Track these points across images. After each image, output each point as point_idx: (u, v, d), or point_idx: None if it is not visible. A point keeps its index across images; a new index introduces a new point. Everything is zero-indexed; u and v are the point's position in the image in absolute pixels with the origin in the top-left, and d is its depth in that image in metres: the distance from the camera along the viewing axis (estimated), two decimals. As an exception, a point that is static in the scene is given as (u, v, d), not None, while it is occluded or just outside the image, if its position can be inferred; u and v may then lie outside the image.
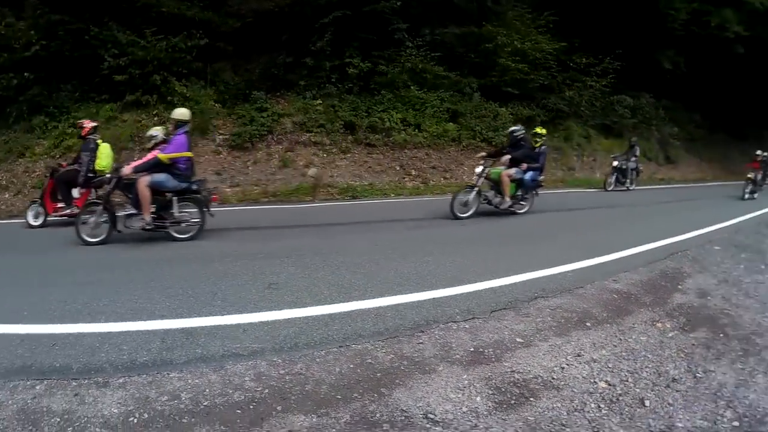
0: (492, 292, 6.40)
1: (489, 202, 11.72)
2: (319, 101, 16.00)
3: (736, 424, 4.28)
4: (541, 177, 12.82)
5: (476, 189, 11.39)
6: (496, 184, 11.84)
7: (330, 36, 16.27)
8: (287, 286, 6.05)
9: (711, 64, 30.23)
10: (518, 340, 5.10)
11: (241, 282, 6.07)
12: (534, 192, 12.64)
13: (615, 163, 20.02)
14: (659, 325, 6.01)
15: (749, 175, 20.27)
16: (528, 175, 11.98)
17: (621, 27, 23.88)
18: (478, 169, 11.61)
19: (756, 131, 42.85)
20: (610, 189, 19.41)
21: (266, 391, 3.76)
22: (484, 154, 12.27)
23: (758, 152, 21.85)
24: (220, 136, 15.09)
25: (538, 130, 13.75)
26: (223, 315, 5.05)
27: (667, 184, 24.95)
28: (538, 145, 13.23)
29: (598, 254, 8.63)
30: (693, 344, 5.63)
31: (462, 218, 10.88)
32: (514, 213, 11.94)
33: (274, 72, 16.42)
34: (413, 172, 16.51)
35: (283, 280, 6.24)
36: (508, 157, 11.76)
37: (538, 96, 21.58)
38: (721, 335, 5.99)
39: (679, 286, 7.52)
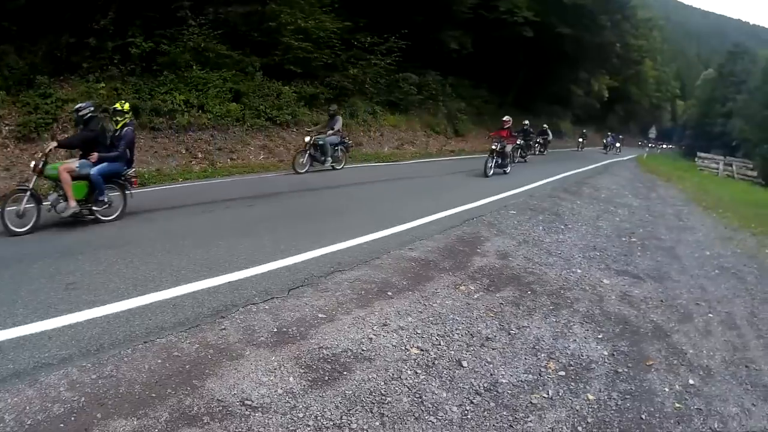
0: (287, 270, 6.50)
1: (54, 209, 8.53)
2: (102, 84, 15.06)
3: (562, 373, 4.66)
4: (130, 170, 9.59)
5: (28, 189, 8.26)
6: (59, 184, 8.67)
7: (113, 14, 15.39)
8: (84, 284, 5.78)
9: (499, 45, 32.21)
10: (320, 315, 5.24)
11: (39, 285, 5.72)
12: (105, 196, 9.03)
13: (307, 139, 16.06)
14: (463, 288, 6.36)
15: (493, 146, 18.25)
16: (98, 169, 8.83)
17: (406, 8, 24.74)
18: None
19: (547, 107, 46.59)
20: (302, 171, 15.71)
21: (83, 399, 3.64)
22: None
23: (506, 117, 20.61)
24: (6, 127, 13.73)
25: (119, 105, 9.68)
26: (27, 324, 4.76)
27: (457, 156, 26.22)
28: (118, 126, 9.52)
29: (390, 225, 8.97)
30: (501, 303, 6.03)
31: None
32: (98, 221, 8.94)
33: (57, 54, 15.18)
34: (200, 155, 16.12)
35: (79, 279, 5.95)
36: (53, 144, 8.82)
37: (322, 74, 21.84)
38: (529, 292, 6.47)
39: (478, 250, 7.99)
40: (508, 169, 19.12)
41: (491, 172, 17.65)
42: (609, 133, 46.93)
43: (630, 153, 46.21)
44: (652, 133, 48.94)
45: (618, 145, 45.50)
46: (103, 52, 15.45)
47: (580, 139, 44.71)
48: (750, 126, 57.60)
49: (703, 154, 45.39)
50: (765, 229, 12.71)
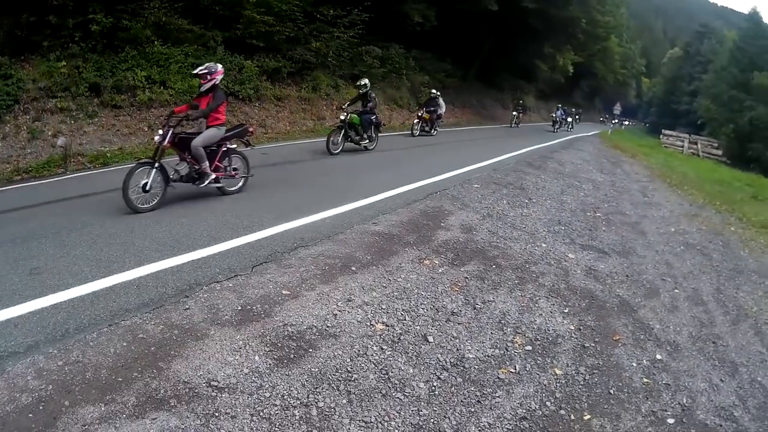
0: (250, 247, 6.45)
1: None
2: (64, 63, 14.65)
3: (528, 348, 4.67)
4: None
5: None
6: None
7: (73, -11, 14.93)
8: (48, 269, 5.64)
9: (463, 18, 32.07)
10: (285, 292, 5.19)
11: (3, 272, 5.56)
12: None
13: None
14: (427, 262, 6.34)
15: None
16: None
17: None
18: None
19: (511, 81, 46.62)
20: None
21: (50, 387, 3.57)
22: None
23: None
24: (-31, 111, 13.37)
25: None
26: (-7, 312, 4.61)
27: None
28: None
29: (353, 199, 8.96)
30: (466, 278, 6.03)
31: None
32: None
33: (18, 33, 14.73)
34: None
35: (43, 263, 5.80)
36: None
37: (284, 48, 21.52)
38: (494, 267, 6.48)
39: (442, 224, 7.98)
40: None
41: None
42: (559, 106, 39.99)
43: (586, 130, 45.53)
44: (617, 109, 49.17)
45: (570, 120, 40.23)
46: (64, 30, 15.02)
47: (515, 113, 36.66)
48: (716, 105, 58.28)
49: (668, 132, 45.90)
50: (730, 206, 12.95)
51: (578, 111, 53.09)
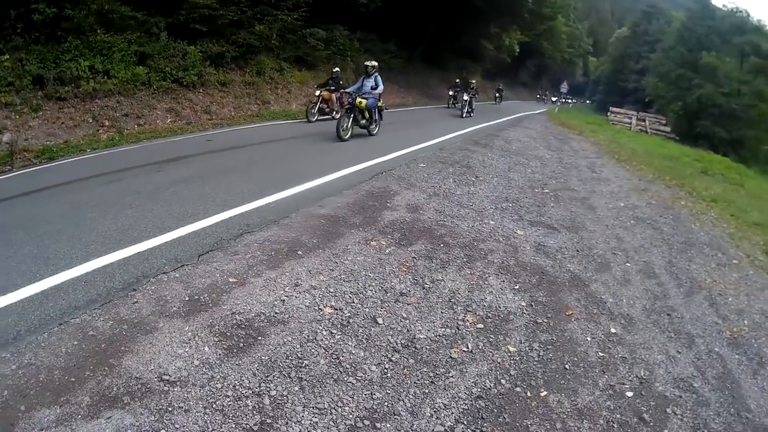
0: (196, 235, 6.38)
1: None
2: (6, 56, 14.19)
3: (480, 326, 4.68)
4: None
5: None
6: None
7: (15, -21, 14.44)
8: (-5, 270, 5.46)
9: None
10: (231, 280, 5.16)
11: (-51, 275, 5.37)
12: None
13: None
14: (374, 243, 6.33)
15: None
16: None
17: (314, -39, 24.11)
18: None
19: (457, 61, 46.70)
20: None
21: (6, 392, 3.47)
22: None
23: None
24: None
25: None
26: (-58, 319, 4.47)
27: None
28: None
29: (298, 182, 8.89)
30: (414, 257, 6.03)
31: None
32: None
33: (-42, 27, 14.27)
34: (107, 123, 15.43)
35: (-9, 264, 5.62)
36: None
37: (228, 32, 21.19)
38: (442, 245, 6.49)
39: (388, 204, 7.98)
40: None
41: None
42: (457, 81, 34.49)
43: (527, 108, 44.89)
44: (564, 87, 49.74)
45: (467, 98, 27.46)
46: (6, 21, 14.56)
47: (451, 93, 33.50)
48: (664, 83, 59.27)
49: (615, 109, 46.47)
50: (679, 181, 13.19)
51: (497, 88, 48.84)
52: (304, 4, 23.31)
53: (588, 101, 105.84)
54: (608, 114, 44.86)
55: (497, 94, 46.28)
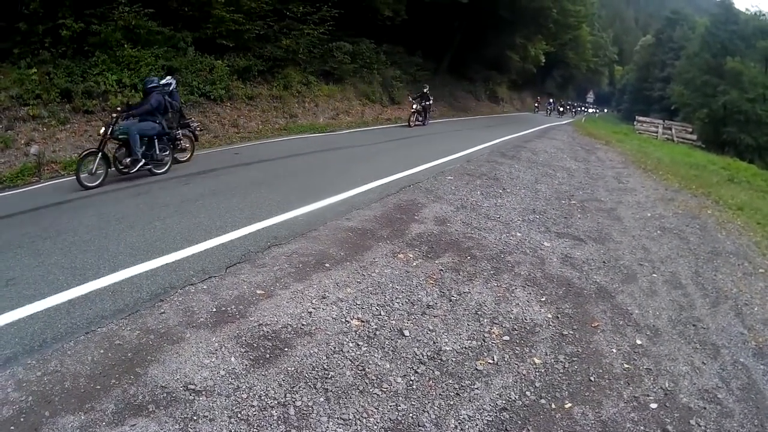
0: (224, 247, 6.41)
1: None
2: (35, 70, 14.38)
3: (506, 338, 4.67)
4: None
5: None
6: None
7: (42, -4, 14.67)
8: (24, 279, 5.54)
9: (433, 11, 32.07)
10: (259, 292, 5.18)
11: (-21, 284, 5.46)
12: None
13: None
14: (401, 256, 6.32)
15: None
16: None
17: (337, -25, 24.24)
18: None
19: (483, 72, 46.62)
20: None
21: (30, 398, 3.54)
22: None
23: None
24: (-60, 122, 13.10)
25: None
26: (-30, 325, 4.54)
27: (393, 124, 25.98)
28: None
29: (326, 195, 8.89)
30: (441, 270, 6.02)
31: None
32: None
33: (-14, 42, 14.53)
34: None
35: (19, 273, 5.69)
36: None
37: (255, 46, 21.36)
38: (469, 258, 6.47)
39: (416, 217, 7.97)
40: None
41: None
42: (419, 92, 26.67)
43: (542, 120, 41.84)
44: (590, 97, 49.53)
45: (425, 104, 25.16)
46: (34, 36, 14.76)
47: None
48: (689, 91, 58.77)
49: (641, 118, 46.16)
50: (705, 190, 13.05)
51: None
52: (329, 18, 23.42)
53: (615, 111, 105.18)
54: (634, 123, 44.56)
55: (560, 108, 47.15)
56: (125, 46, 16.54)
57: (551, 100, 50.56)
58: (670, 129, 40.93)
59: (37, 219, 8.10)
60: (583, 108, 61.88)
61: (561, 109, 55.58)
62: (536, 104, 55.29)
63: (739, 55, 53.58)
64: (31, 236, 7.04)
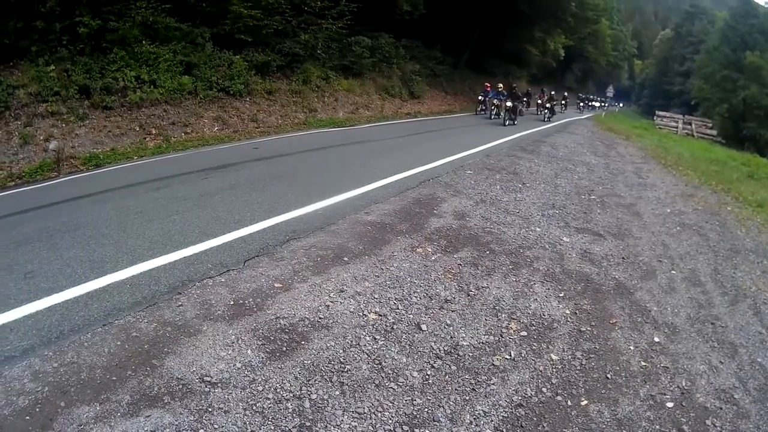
0: (242, 241, 6.43)
1: None
2: (53, 67, 14.51)
3: (524, 334, 4.65)
4: None
5: None
6: None
7: (59, -6, 14.79)
8: (42, 272, 5.58)
9: (452, 5, 32.04)
10: (277, 285, 5.19)
11: (-2, 278, 5.52)
12: None
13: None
14: (420, 250, 6.32)
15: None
16: None
17: (357, -31, 24.21)
18: None
19: (502, 66, 46.47)
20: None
21: (46, 389, 3.57)
22: None
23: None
24: (-42, 119, 13.24)
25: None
26: (-11, 317, 4.60)
27: (413, 118, 26.01)
28: None
29: (345, 190, 8.90)
30: (459, 264, 6.01)
31: None
32: None
33: (5, 41, 14.55)
34: (153, 131, 15.71)
35: (37, 267, 5.74)
36: None
37: (273, 41, 21.38)
38: (488, 252, 6.45)
39: (435, 211, 7.97)
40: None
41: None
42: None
43: (562, 115, 39.34)
44: (610, 92, 49.09)
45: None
46: (52, 34, 14.86)
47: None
48: (709, 85, 58.31)
49: (661, 113, 45.91)
50: (725, 186, 12.95)
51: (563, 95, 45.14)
52: (348, 13, 23.42)
53: (635, 105, 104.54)
54: (654, 118, 44.26)
55: (563, 102, 42.56)
56: (143, 42, 16.65)
57: (554, 93, 46.40)
58: (690, 124, 40.69)
59: (56, 213, 8.16)
60: (603, 102, 60.56)
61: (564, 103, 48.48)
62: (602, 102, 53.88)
63: (759, 49, 53.19)
64: (49, 230, 7.10)
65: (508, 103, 24.57)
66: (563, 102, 43.12)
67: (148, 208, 8.05)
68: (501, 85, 28.04)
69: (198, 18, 19.06)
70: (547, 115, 30.35)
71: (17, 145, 12.97)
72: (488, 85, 27.69)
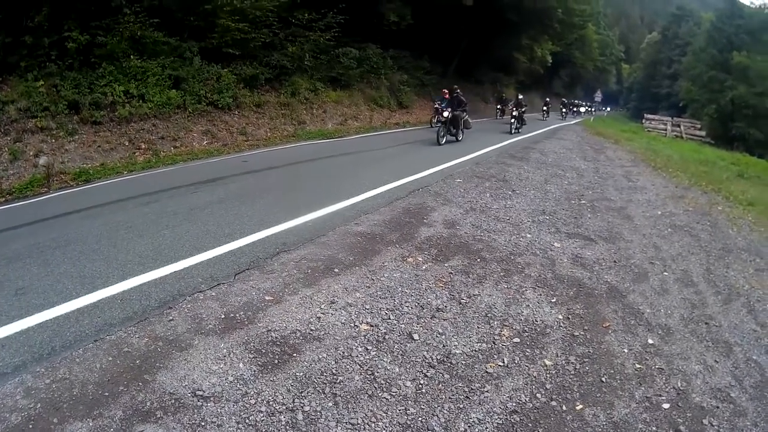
0: (232, 254, 6.43)
1: None
2: (42, 82, 14.50)
3: (516, 340, 4.64)
4: None
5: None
6: None
7: (47, 9, 14.75)
8: (33, 288, 5.58)
9: (439, 15, 32.20)
10: (267, 298, 5.19)
11: (-11, 294, 5.50)
12: None
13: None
14: (411, 259, 6.32)
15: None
16: None
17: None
18: None
19: (490, 74, 46.59)
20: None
21: (39, 405, 3.57)
22: None
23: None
24: (-53, 135, 13.21)
25: None
26: (-21, 335, 4.58)
27: (402, 128, 26.12)
28: None
29: (335, 201, 8.93)
30: (450, 273, 6.01)
31: None
32: None
33: (-7, 56, 14.63)
34: (143, 146, 15.73)
35: (28, 283, 5.73)
36: None
37: (261, 54, 21.46)
38: (478, 260, 6.45)
39: (425, 220, 7.98)
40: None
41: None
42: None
43: (551, 121, 41.04)
44: (598, 96, 49.36)
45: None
46: (40, 49, 14.86)
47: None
48: (696, 87, 58.82)
49: (650, 116, 46.12)
50: (715, 186, 13.02)
51: (545, 101, 46.21)
52: (335, 25, 23.55)
53: (623, 109, 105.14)
54: (643, 121, 44.48)
55: (545, 108, 42.98)
56: (131, 57, 16.70)
57: (548, 99, 46.15)
58: (679, 126, 40.89)
59: (46, 229, 8.14)
60: (590, 108, 60.46)
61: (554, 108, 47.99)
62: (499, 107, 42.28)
63: (746, 49, 53.68)
64: (40, 246, 7.08)
65: (446, 114, 19.45)
66: (544, 108, 42.70)
67: (138, 222, 8.04)
68: (446, 90, 24.54)
69: (186, 32, 19.10)
70: (514, 126, 25.77)
71: (7, 160, 12.94)
72: (446, 91, 24.47)
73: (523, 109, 27.09)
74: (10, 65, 14.72)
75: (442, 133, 18.75)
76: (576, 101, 60.65)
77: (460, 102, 20.17)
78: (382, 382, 3.92)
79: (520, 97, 28.45)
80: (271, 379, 3.88)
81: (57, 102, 14.52)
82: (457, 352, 4.42)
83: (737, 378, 4.43)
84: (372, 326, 4.74)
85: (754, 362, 4.71)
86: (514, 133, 25.05)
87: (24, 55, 14.75)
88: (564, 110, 51.16)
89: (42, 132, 14.06)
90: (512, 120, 25.95)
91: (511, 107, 27.15)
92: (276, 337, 4.43)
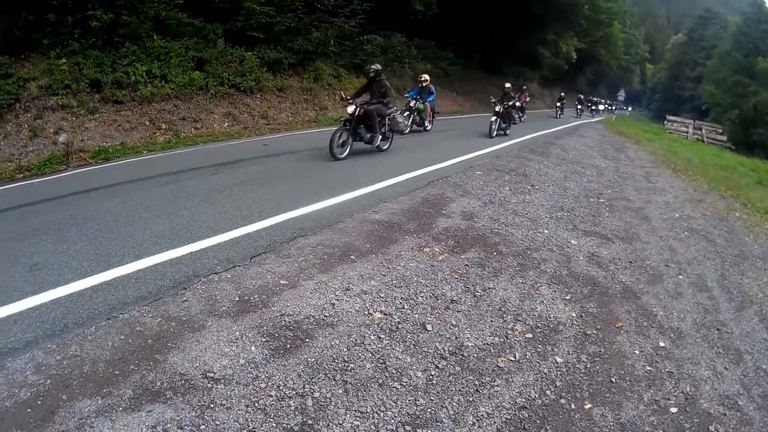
0: (249, 237, 6.43)
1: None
2: (64, 60, 14.59)
3: (529, 336, 4.62)
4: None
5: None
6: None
7: (73, -14, 14.84)
8: (48, 265, 5.60)
9: (465, 5, 32.03)
10: (282, 282, 5.17)
11: (4, 269, 5.53)
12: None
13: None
14: (427, 250, 6.29)
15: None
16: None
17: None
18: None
19: (514, 68, 46.39)
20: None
21: (48, 381, 3.57)
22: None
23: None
24: (-30, 111, 13.30)
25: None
26: (-7, 309, 4.61)
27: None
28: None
29: (354, 188, 8.89)
30: (466, 265, 5.97)
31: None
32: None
33: (16, 33, 14.63)
34: (163, 126, 15.84)
35: (43, 259, 5.77)
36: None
37: (285, 38, 21.44)
38: (495, 253, 6.42)
39: (443, 211, 7.93)
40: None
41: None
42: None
43: (573, 118, 39.89)
44: (621, 95, 48.98)
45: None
46: (63, 27, 14.92)
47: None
48: (720, 91, 58.19)
49: (672, 117, 45.71)
50: (734, 192, 12.88)
51: (560, 96, 39.97)
52: (361, 12, 23.45)
53: (646, 110, 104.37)
54: (665, 122, 44.12)
55: (558, 104, 37.97)
56: (155, 37, 16.74)
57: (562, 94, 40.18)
58: (701, 129, 40.51)
59: (63, 206, 8.20)
60: (609, 105, 59.20)
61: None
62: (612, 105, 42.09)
63: (771, 55, 52.89)
64: (57, 223, 7.13)
65: (350, 109, 12.82)
66: (558, 104, 38.16)
67: (156, 202, 8.08)
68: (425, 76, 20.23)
69: (210, 14, 19.13)
70: (495, 127, 18.64)
71: (27, 137, 13.05)
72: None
73: (511, 103, 20.67)
74: (32, 43, 14.80)
75: (495, 127, 17.90)
76: (594, 98, 57.50)
77: (383, 93, 14.25)
78: (393, 371, 3.92)
79: (508, 86, 22.00)
80: (283, 363, 3.88)
81: (79, 80, 14.61)
82: (470, 344, 4.40)
83: (746, 386, 4.40)
84: (386, 315, 4.73)
85: (763, 371, 4.68)
86: (496, 136, 18.43)
87: (47, 33, 14.82)
88: (579, 107, 47.02)
89: (63, 110, 14.15)
90: (493, 118, 18.85)
91: (494, 101, 19.57)
92: (289, 322, 4.43)
